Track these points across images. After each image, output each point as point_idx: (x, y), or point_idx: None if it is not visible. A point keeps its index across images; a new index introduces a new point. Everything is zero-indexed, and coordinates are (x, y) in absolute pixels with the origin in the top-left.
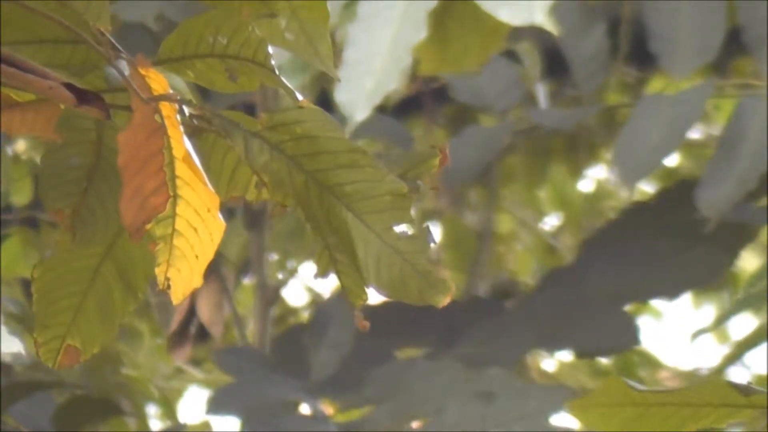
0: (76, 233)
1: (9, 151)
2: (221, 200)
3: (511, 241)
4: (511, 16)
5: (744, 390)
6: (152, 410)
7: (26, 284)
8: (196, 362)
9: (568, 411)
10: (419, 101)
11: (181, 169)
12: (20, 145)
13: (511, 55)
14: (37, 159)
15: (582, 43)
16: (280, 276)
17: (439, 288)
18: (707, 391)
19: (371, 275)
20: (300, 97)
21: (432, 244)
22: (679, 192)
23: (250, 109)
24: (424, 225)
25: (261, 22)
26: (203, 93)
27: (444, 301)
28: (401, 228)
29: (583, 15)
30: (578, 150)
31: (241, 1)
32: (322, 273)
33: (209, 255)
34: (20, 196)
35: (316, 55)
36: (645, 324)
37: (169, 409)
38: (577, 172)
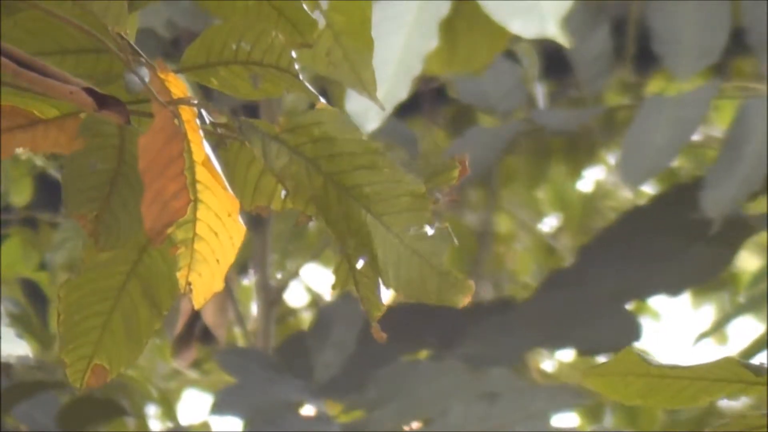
0: (99, 238)
1: None
2: (247, 210)
3: (511, 241)
4: (522, 27)
5: (755, 369)
6: (151, 410)
7: (26, 284)
8: (195, 362)
9: (584, 379)
10: (418, 101)
11: (201, 173)
12: None
13: (511, 56)
14: (37, 160)
15: (586, 44)
16: (278, 276)
17: (459, 288)
18: (720, 367)
19: (390, 276)
20: (322, 100)
21: (451, 245)
22: (677, 194)
23: (251, 110)
24: (444, 225)
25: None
26: (206, 94)
27: (464, 301)
28: (420, 229)
29: (587, 16)
30: (578, 150)
31: (252, 1)
32: (340, 285)
33: (230, 259)
34: (20, 196)
35: (359, 82)
36: (645, 325)
37: (168, 409)
38: (576, 173)
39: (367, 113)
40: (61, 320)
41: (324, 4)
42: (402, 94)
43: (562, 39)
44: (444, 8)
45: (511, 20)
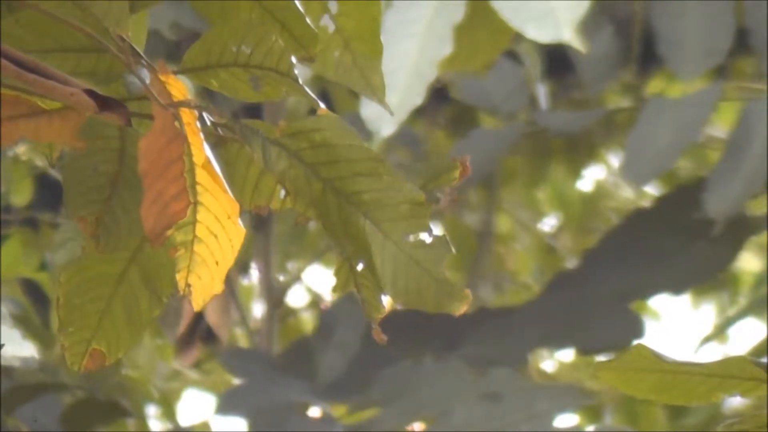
0: (99, 240)
1: (9, 151)
2: (246, 209)
3: (511, 241)
4: (538, 33)
5: (766, 367)
6: (151, 410)
7: (26, 284)
8: (195, 363)
9: (597, 373)
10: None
11: (201, 175)
12: (20, 146)
13: (513, 56)
14: (37, 160)
15: (590, 46)
16: (281, 277)
17: (456, 296)
18: (732, 365)
19: (388, 284)
20: (322, 105)
21: (449, 253)
22: (679, 194)
23: (254, 110)
24: (441, 234)
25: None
26: (210, 95)
27: (461, 309)
28: (419, 236)
29: (591, 17)
30: (578, 150)
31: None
32: (341, 287)
33: (229, 261)
34: (20, 196)
35: (368, 87)
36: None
37: (168, 409)
38: (576, 173)
39: (381, 119)
40: (60, 303)
41: (333, 6)
42: (417, 100)
43: (577, 44)
44: (458, 14)
45: (526, 26)
